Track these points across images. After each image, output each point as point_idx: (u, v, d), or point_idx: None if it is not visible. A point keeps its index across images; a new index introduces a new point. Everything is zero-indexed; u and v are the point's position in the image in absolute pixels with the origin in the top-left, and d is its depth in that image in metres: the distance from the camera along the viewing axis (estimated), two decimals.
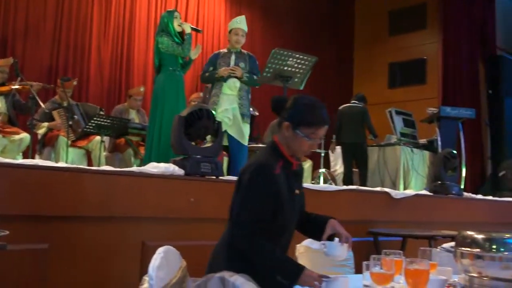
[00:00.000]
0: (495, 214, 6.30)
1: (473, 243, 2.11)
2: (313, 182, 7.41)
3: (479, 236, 2.11)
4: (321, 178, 7.83)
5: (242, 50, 5.44)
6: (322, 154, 8.06)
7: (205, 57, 8.62)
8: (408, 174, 7.85)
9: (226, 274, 1.59)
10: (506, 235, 2.08)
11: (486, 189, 8.85)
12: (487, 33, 10.34)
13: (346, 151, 7.79)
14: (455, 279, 2.32)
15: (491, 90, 10.18)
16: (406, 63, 11.13)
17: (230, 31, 5.42)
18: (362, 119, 7.72)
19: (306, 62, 5.25)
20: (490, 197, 6.71)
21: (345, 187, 4.96)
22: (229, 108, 5.14)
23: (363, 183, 7.34)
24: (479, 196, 6.60)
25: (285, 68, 5.18)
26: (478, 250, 2.06)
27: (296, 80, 5.34)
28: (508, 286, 1.99)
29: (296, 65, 5.22)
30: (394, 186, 7.55)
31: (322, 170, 7.92)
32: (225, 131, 5.05)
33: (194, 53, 5.25)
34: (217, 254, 2.36)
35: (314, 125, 2.32)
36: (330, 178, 8.09)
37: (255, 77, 5.32)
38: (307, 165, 7.34)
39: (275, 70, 5.18)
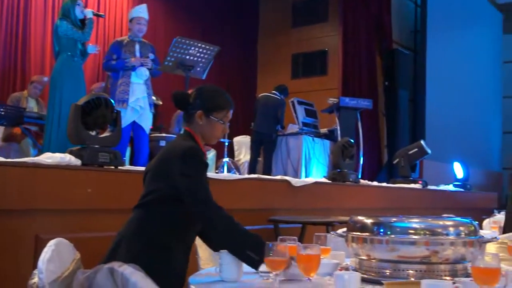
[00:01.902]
0: (389, 200, 6.62)
1: (363, 227, 2.21)
2: (217, 171, 7.43)
3: (368, 221, 2.21)
4: (225, 167, 7.88)
5: (143, 40, 5.36)
6: (226, 144, 8.10)
7: (106, 43, 8.39)
8: (310, 163, 8.07)
9: (115, 265, 1.57)
10: (393, 219, 2.19)
11: (382, 176, 9.28)
12: (384, 28, 10.78)
13: (256, 140, 7.91)
14: (347, 262, 2.42)
15: (387, 82, 10.65)
16: (309, 55, 11.39)
17: (131, 20, 5.32)
18: (277, 110, 7.88)
19: (209, 51, 5.25)
20: (385, 184, 7.05)
21: (246, 175, 5.02)
22: (140, 97, 5.11)
23: (268, 173, 7.47)
24: (375, 183, 6.91)
25: (187, 57, 5.17)
26: (367, 234, 2.16)
27: (198, 69, 5.33)
28: (394, 267, 2.10)
29: (198, 54, 5.21)
30: (297, 174, 7.74)
31: (226, 159, 7.97)
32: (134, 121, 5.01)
33: (91, 48, 5.14)
34: (122, 242, 2.31)
35: (225, 108, 2.50)
36: (234, 167, 8.14)
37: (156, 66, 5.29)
38: (211, 154, 7.34)
39: (177, 59, 5.15)
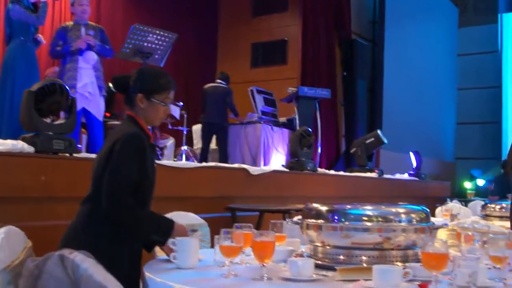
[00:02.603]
0: (346, 188, 6.72)
1: (318, 214, 2.24)
2: (175, 159, 7.39)
3: (323, 208, 2.24)
4: (184, 156, 7.83)
5: (90, 22, 5.23)
6: (185, 132, 8.06)
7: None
8: (269, 152, 8.11)
9: (66, 252, 1.55)
10: (348, 207, 2.23)
11: (340, 165, 9.40)
12: (343, 18, 10.87)
13: (207, 130, 7.88)
14: (303, 249, 2.45)
15: (346, 72, 10.76)
16: (268, 44, 11.38)
17: (72, 4, 5.16)
18: (225, 99, 7.83)
19: (167, 39, 5.20)
20: (342, 173, 7.15)
21: (204, 164, 5.01)
22: (88, 82, 4.97)
23: (225, 162, 7.47)
24: (332, 172, 7.00)
25: (145, 44, 5.11)
26: (321, 221, 2.19)
27: (156, 56, 5.27)
28: (348, 253, 2.14)
29: (156, 41, 5.15)
30: (255, 163, 7.76)
31: (185, 147, 7.92)
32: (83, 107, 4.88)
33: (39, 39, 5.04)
34: (73, 234, 2.29)
35: (166, 89, 2.45)
36: (193, 155, 8.11)
37: (107, 46, 5.15)
38: (170, 142, 7.31)
39: (135, 46, 5.08)
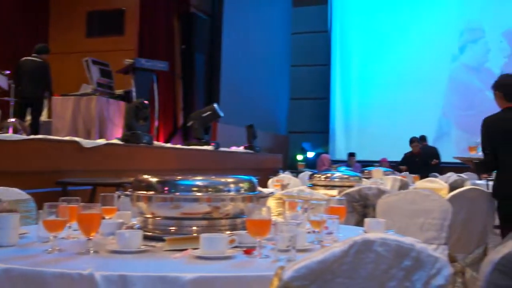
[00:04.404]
0: (183, 161, 6.76)
1: (148, 186, 2.22)
2: (1, 132, 6.86)
3: (153, 180, 2.23)
4: (11, 128, 7.30)
5: None
6: (12, 103, 7.51)
7: None
8: (104, 124, 7.85)
9: None
10: (178, 177, 2.24)
11: (178, 138, 9.42)
12: None
13: (22, 104, 7.48)
14: (134, 222, 2.42)
15: (184, 45, 10.74)
16: (105, 13, 10.95)
17: None
18: (42, 73, 7.48)
19: None
20: (178, 146, 7.17)
21: (32, 136, 4.73)
22: None
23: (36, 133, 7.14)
24: (169, 145, 6.99)
25: None
26: (152, 192, 2.18)
27: None
28: (178, 224, 2.16)
29: None
30: (89, 135, 7.48)
31: (12, 120, 7.38)
32: None
33: None
34: None
35: None
36: (22, 128, 7.60)
37: None
38: None
39: None
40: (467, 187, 4.42)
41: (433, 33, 14.14)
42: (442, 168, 9.09)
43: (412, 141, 10.45)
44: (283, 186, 5.09)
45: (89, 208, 1.85)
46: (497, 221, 4.07)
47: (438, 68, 14.06)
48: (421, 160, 9.99)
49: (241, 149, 9.25)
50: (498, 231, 4.33)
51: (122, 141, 5.91)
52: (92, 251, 1.82)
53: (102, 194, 2.42)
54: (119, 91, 8.62)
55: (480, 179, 6.88)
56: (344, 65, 15.28)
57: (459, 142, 12.61)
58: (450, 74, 14.15)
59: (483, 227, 4.01)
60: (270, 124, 13.56)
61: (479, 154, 4.34)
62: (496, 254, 1.40)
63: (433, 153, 10.23)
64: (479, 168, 4.57)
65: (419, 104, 13.85)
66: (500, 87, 4.06)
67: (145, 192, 2.19)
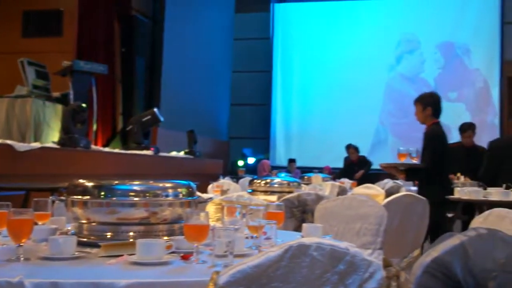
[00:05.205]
0: (122, 166, 6.63)
1: (84, 191, 2.17)
2: None
3: (89, 184, 2.18)
4: None
5: None
6: None
7: None
8: (40, 127, 7.62)
9: None
10: (115, 182, 2.20)
11: (116, 142, 9.26)
12: None
13: None
14: (68, 228, 2.37)
15: (125, 48, 10.58)
16: (43, 13, 10.66)
17: None
18: None
19: None
20: (117, 150, 7.04)
21: None
22: None
23: None
24: (107, 149, 6.86)
25: None
26: (87, 197, 2.14)
27: None
28: (114, 229, 2.12)
29: None
30: (24, 139, 7.24)
31: None
32: None
33: None
34: None
35: None
36: None
37: None
38: None
39: None
40: (402, 193, 4.55)
41: (371, 43, 14.50)
42: (379, 175, 9.32)
43: (348, 147, 10.84)
44: (223, 192, 5.09)
45: (20, 214, 1.79)
46: None
47: (376, 77, 14.42)
48: (359, 167, 10.46)
49: (181, 154, 9.18)
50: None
51: (58, 145, 5.76)
52: (22, 258, 1.76)
53: (35, 199, 2.35)
54: (56, 94, 8.38)
55: (415, 185, 7.11)
56: (285, 72, 15.45)
57: (395, 149, 12.94)
58: (387, 83, 14.54)
59: (417, 232, 4.14)
60: (211, 130, 13.53)
61: (413, 161, 4.51)
62: (426, 257, 1.44)
63: (366, 161, 10.77)
64: (410, 175, 4.80)
65: (358, 111, 14.16)
66: (433, 104, 4.42)
67: (80, 197, 2.14)
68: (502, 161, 4.97)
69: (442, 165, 4.56)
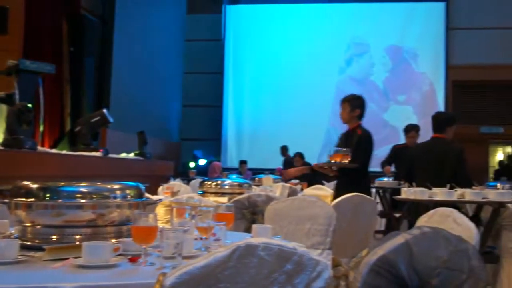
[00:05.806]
0: (69, 168, 6.48)
1: (28, 193, 2.12)
2: None
3: (34, 186, 2.13)
4: None
5: None
6: None
7: None
8: None
9: None
10: (61, 183, 2.15)
11: (64, 144, 9.05)
12: None
13: None
14: (12, 231, 2.30)
15: (73, 48, 10.36)
16: None
17: None
18: None
19: None
20: (64, 152, 6.88)
21: None
22: None
23: None
24: (53, 151, 6.69)
25: None
26: (32, 199, 2.08)
27: None
28: (60, 232, 2.07)
29: None
30: None
31: None
32: None
33: None
34: None
35: None
36: None
37: None
38: None
39: None
40: (352, 193, 4.62)
41: (322, 46, 14.69)
42: (330, 176, 9.44)
43: (294, 155, 11.13)
44: (173, 193, 5.06)
45: None
46: (378, 226, 4.32)
47: (326, 79, 14.61)
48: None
49: (131, 155, 9.05)
50: (379, 235, 4.59)
51: (2, 146, 5.58)
52: None
53: None
54: (0, 94, 8.14)
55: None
56: (237, 74, 15.47)
57: None
58: (337, 85, 14.74)
59: (366, 231, 4.21)
60: (162, 131, 13.41)
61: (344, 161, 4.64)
62: (372, 256, 1.47)
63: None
64: (341, 175, 4.98)
65: (309, 113, 14.32)
66: (361, 107, 4.68)
67: (24, 199, 2.08)
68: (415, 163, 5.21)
69: (368, 167, 4.79)
